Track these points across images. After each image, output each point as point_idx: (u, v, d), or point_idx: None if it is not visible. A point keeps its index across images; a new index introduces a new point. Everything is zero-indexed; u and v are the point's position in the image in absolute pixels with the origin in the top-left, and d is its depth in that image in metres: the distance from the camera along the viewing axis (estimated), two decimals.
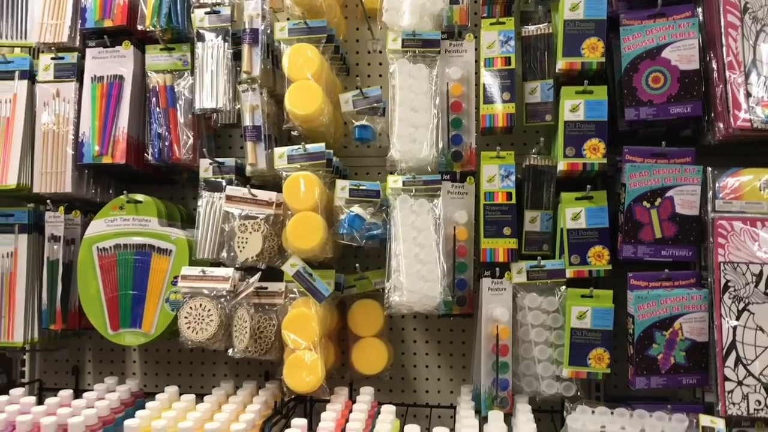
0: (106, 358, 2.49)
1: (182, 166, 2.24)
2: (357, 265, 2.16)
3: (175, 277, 2.12)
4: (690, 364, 1.90)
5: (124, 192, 2.16)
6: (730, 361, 1.83)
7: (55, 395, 2.11)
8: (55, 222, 2.17)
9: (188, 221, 2.35)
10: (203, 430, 1.88)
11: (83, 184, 2.20)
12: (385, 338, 2.21)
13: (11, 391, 2.17)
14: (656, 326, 1.91)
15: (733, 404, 1.82)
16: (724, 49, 1.91)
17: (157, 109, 2.18)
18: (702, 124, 2.01)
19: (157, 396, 2.11)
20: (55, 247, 2.17)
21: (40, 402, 2.10)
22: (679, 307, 1.90)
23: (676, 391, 2.14)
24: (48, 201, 2.18)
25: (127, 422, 1.89)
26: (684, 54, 1.96)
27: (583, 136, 1.98)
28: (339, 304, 2.24)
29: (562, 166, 1.98)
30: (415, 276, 1.91)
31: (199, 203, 2.16)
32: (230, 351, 2.05)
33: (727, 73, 1.90)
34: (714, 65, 1.94)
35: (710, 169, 1.94)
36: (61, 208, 2.17)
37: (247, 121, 2.12)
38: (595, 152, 1.97)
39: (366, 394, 2.12)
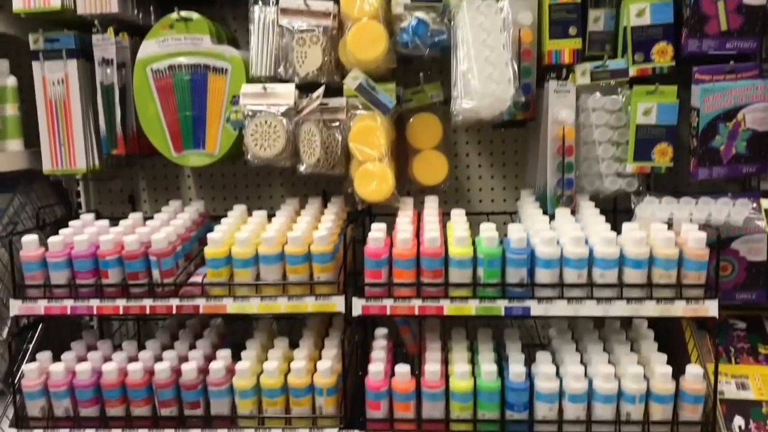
0: (160, 186, 2.51)
1: None
2: (421, 74, 2.15)
3: (234, 96, 2.09)
4: (750, 153, 1.98)
5: (175, 8, 2.07)
6: None
7: (116, 224, 2.15)
8: (104, 45, 2.10)
9: (233, 43, 2.29)
10: (285, 239, 1.94)
11: (128, 4, 2.11)
12: (443, 150, 2.24)
13: (82, 216, 2.21)
14: (720, 118, 1.96)
15: None
16: None
17: None
18: None
19: (230, 213, 2.16)
20: (108, 71, 2.11)
21: None
22: (743, 98, 1.95)
23: (722, 186, 2.23)
24: (95, 23, 2.09)
25: (211, 235, 1.95)
26: None
27: None
28: (396, 120, 2.24)
29: None
30: (488, 79, 1.91)
31: (251, 18, 2.09)
32: (300, 167, 2.07)
33: None
34: None
35: None
36: (110, 30, 2.09)
37: None
38: None
39: (432, 200, 2.19)
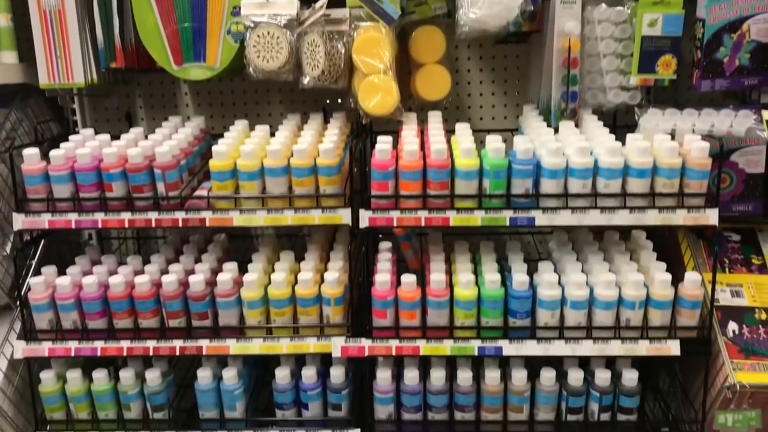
0: (157, 104, 2.47)
1: None
2: None
3: (235, 7, 2.05)
4: (753, 65, 1.99)
5: None
6: None
7: (117, 139, 2.11)
8: None
9: None
10: (291, 152, 1.94)
11: None
12: (446, 64, 2.22)
13: (82, 131, 2.18)
14: (725, 29, 1.96)
15: None
16: None
17: None
18: None
19: (232, 128, 2.14)
20: None
21: None
22: (749, 8, 1.95)
23: (720, 101, 2.25)
24: None
25: (216, 148, 1.93)
26: None
27: None
28: (398, 35, 2.21)
29: None
30: None
31: None
32: (303, 79, 2.04)
33: None
34: None
35: None
36: None
37: None
38: None
39: (436, 115, 2.19)
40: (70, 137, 2.11)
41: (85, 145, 2.00)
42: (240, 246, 2.46)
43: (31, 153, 1.94)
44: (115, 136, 2.15)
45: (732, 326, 1.95)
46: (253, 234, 2.54)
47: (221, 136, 2.07)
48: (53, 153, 1.94)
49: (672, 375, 2.15)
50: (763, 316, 1.97)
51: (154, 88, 2.45)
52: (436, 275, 1.94)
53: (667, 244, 2.18)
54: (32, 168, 1.94)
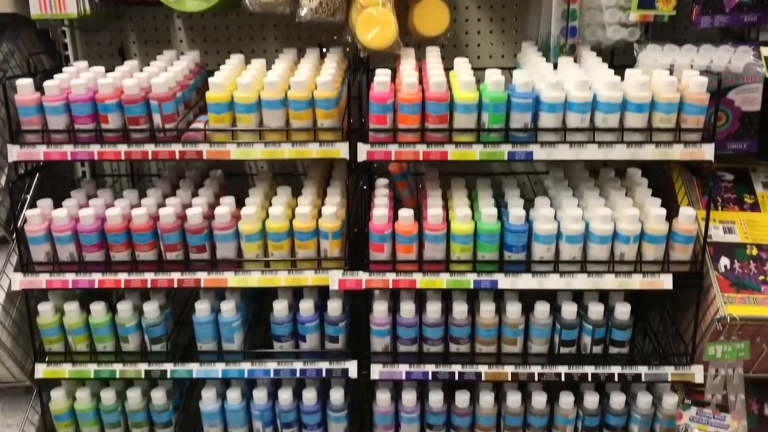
0: (150, 39, 2.43)
1: None
2: None
3: None
4: (753, 1, 1.98)
5: None
6: None
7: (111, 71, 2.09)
8: None
9: None
10: (288, 84, 1.92)
11: None
12: None
13: (75, 63, 2.15)
14: None
15: None
16: None
17: None
18: None
19: (227, 61, 2.12)
20: None
21: None
22: None
23: (717, 41, 2.24)
24: None
25: (212, 79, 1.92)
26: None
27: None
28: None
29: None
30: None
31: None
32: (300, 11, 2.01)
33: None
34: None
35: None
36: None
37: None
38: None
39: (434, 50, 2.17)
40: (64, 69, 2.08)
41: (79, 77, 1.97)
42: (236, 184, 2.45)
43: (24, 83, 1.91)
44: (109, 70, 2.12)
45: (724, 261, 1.98)
46: (248, 173, 2.53)
47: (217, 71, 2.05)
48: (47, 83, 1.91)
49: (663, 311, 2.19)
50: (754, 251, 2.00)
51: (147, 22, 2.41)
52: (433, 209, 1.95)
53: (661, 184, 2.19)
54: (26, 99, 1.92)
